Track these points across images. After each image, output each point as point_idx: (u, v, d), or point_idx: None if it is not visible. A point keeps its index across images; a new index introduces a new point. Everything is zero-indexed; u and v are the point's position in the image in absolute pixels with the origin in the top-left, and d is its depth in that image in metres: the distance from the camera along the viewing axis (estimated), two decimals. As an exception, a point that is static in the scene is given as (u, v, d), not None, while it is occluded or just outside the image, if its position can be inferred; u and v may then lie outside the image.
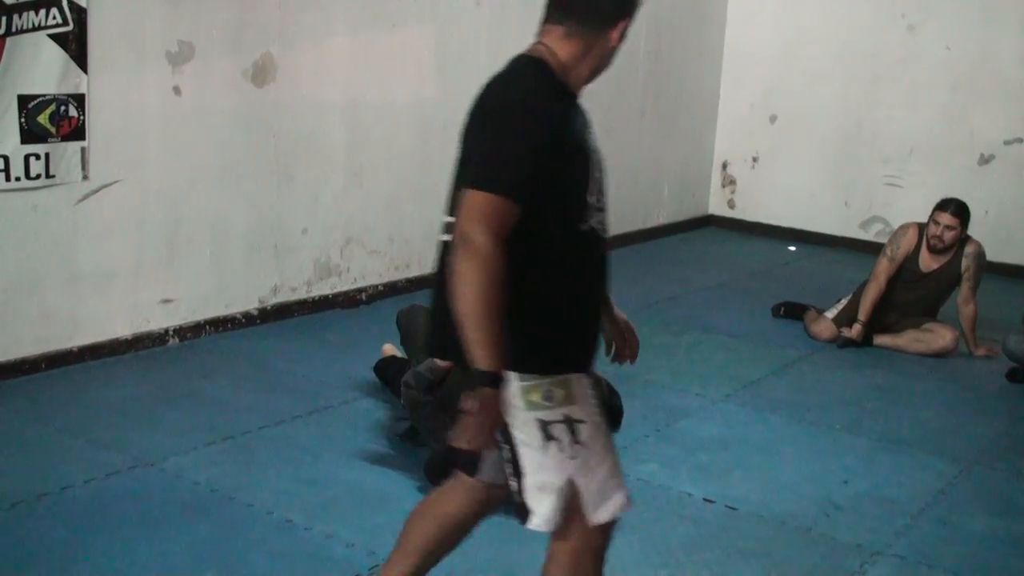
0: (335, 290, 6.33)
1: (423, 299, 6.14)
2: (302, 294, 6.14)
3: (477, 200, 2.40)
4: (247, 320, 5.85)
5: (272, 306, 5.98)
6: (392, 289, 6.64)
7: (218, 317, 5.72)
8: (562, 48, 2.61)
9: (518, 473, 2.51)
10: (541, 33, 2.64)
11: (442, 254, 2.63)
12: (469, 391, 2.39)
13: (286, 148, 5.89)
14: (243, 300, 5.84)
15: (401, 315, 5.02)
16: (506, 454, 2.52)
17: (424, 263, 6.88)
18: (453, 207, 2.56)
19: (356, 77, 6.20)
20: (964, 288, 6.23)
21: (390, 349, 5.09)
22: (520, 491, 2.52)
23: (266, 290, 5.95)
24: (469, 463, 2.69)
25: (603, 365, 2.79)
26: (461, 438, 2.49)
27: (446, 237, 2.58)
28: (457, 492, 2.80)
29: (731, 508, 4.12)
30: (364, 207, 6.41)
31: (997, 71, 8.21)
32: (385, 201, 6.54)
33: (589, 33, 2.61)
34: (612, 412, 3.94)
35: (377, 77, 6.32)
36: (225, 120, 5.56)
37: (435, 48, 6.67)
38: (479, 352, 2.33)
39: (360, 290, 6.47)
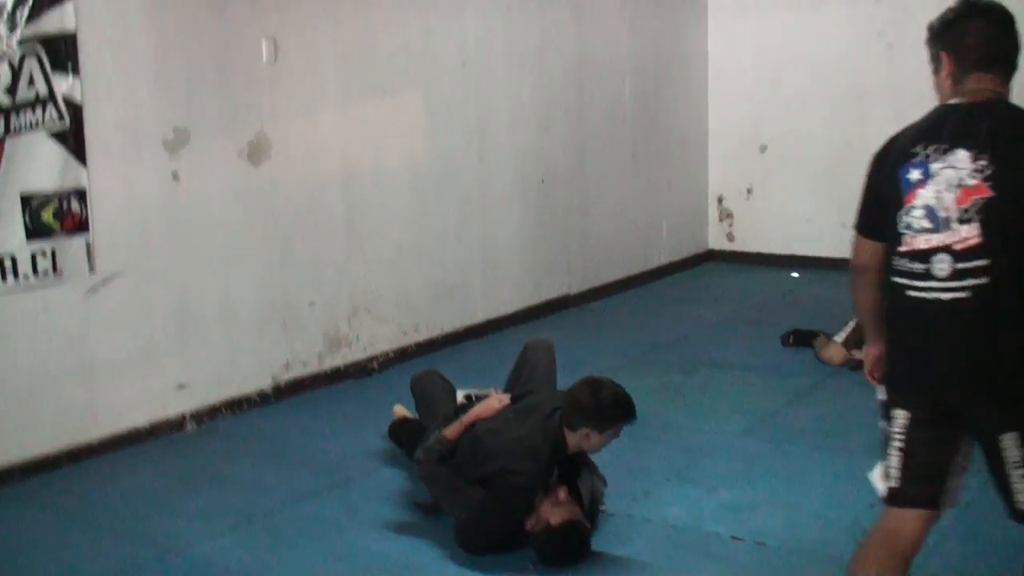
0: (346, 360, 6.36)
1: (433, 362, 6.20)
2: (314, 367, 6.17)
3: None
4: (262, 399, 5.88)
5: (285, 382, 6.01)
6: (402, 354, 6.67)
7: (233, 398, 5.74)
8: (1005, 92, 2.87)
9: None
10: (977, 80, 2.83)
11: (983, 295, 2.68)
12: None
13: (286, 223, 5.95)
14: (256, 379, 5.87)
15: (415, 381, 5.05)
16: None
17: (431, 326, 6.92)
18: (982, 245, 2.67)
19: (349, 147, 6.27)
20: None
21: (401, 410, 5.11)
22: None
23: (278, 366, 5.98)
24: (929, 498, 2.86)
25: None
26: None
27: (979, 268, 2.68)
28: (912, 524, 2.89)
29: (760, 544, 4.11)
30: (368, 275, 6.46)
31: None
32: (388, 267, 6.59)
33: (1009, 78, 2.90)
34: None
35: (370, 145, 6.40)
36: (225, 201, 5.63)
37: (424, 112, 6.75)
38: None
39: (371, 358, 6.50)
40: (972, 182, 2.66)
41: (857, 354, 6.37)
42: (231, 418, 5.70)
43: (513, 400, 4.48)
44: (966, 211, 2.67)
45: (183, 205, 5.43)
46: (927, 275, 2.72)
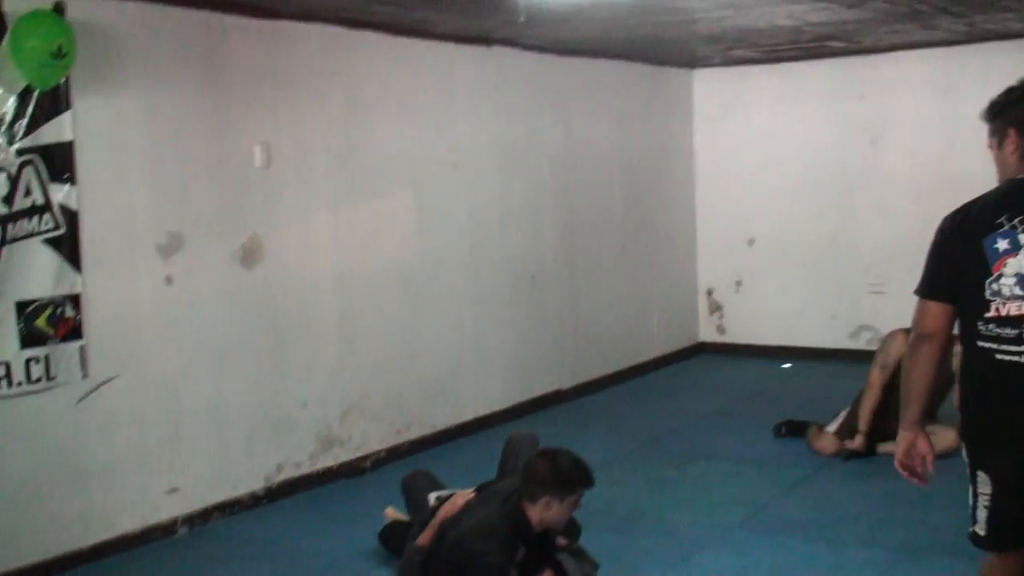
0: (338, 460, 6.35)
1: (426, 460, 6.20)
2: (306, 468, 6.16)
3: None
4: (254, 501, 5.86)
5: (278, 484, 5.99)
6: (395, 453, 6.67)
7: (225, 501, 5.72)
8: None
9: None
10: None
11: None
12: None
13: (279, 325, 5.99)
14: (248, 481, 5.86)
15: (405, 482, 5.05)
16: None
17: (423, 424, 6.93)
18: None
19: (341, 248, 6.35)
20: (958, 388, 6.27)
21: (392, 513, 5.10)
22: None
23: (271, 468, 5.97)
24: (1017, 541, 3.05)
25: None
26: None
27: None
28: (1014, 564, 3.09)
29: (758, 637, 4.09)
30: (360, 374, 6.49)
31: (962, 173, 8.42)
32: (379, 366, 6.62)
33: None
34: None
35: (362, 246, 6.48)
36: (217, 304, 5.68)
37: (416, 212, 6.86)
38: None
39: (364, 458, 6.50)
40: None
41: (849, 444, 6.40)
42: (223, 521, 5.67)
43: (479, 489, 4.51)
44: None
45: (176, 309, 5.48)
46: (1018, 340, 2.88)
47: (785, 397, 8.05)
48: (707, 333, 10.03)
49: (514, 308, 7.72)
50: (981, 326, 2.96)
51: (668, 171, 9.57)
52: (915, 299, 6.77)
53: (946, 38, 8.14)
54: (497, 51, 7.41)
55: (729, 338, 9.91)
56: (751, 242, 9.70)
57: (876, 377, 6.43)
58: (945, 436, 6.27)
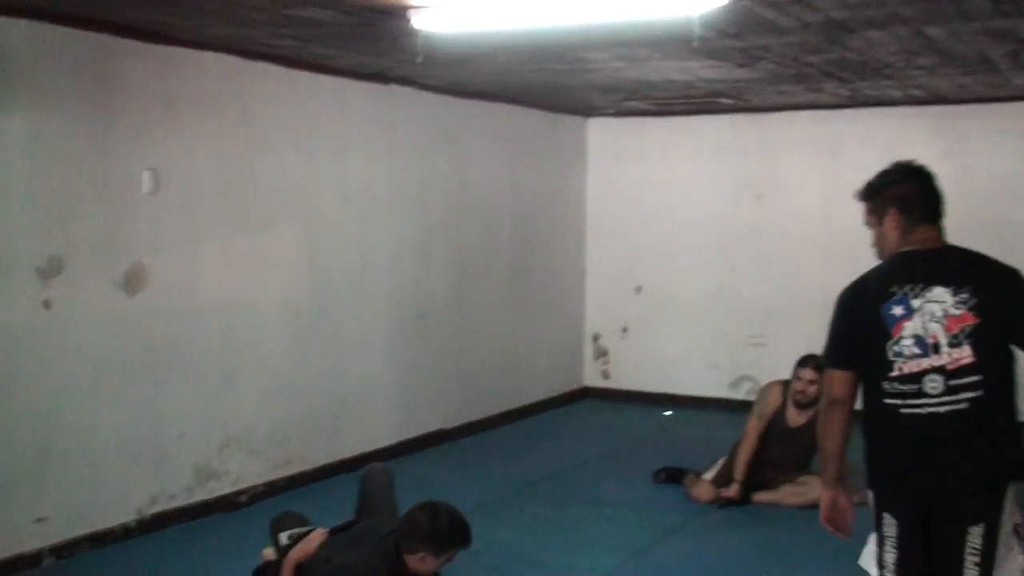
0: (215, 494, 6.23)
1: (304, 496, 6.12)
2: (181, 501, 6.03)
3: None
4: (125, 533, 5.71)
5: (151, 516, 5.85)
6: (273, 488, 6.57)
7: (95, 532, 5.56)
8: (945, 239, 3.41)
9: None
10: (925, 231, 3.36)
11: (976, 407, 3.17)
12: None
13: (160, 354, 5.88)
14: (120, 512, 5.70)
15: (273, 523, 4.95)
16: None
17: (303, 460, 6.85)
18: (975, 363, 3.16)
19: (228, 279, 6.27)
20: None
21: (270, 554, 5.00)
22: None
23: (144, 500, 5.83)
24: None
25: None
26: None
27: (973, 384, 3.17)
28: None
29: None
30: (241, 407, 6.40)
31: (840, 231, 8.71)
32: (262, 400, 6.54)
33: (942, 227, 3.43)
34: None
35: (249, 278, 6.41)
36: (97, 330, 5.55)
37: (305, 246, 6.81)
38: None
39: (241, 492, 6.39)
40: (958, 312, 3.17)
41: (726, 492, 6.52)
42: (92, 553, 5.50)
43: (336, 531, 4.49)
44: (955, 336, 3.17)
45: (53, 333, 5.33)
46: (919, 394, 3.18)
47: (665, 444, 8.17)
48: (592, 378, 10.13)
49: (401, 345, 7.71)
50: (886, 385, 3.23)
51: (560, 216, 9.69)
52: (793, 352, 6.98)
53: (830, 101, 8.44)
54: (394, 89, 7.44)
55: (613, 384, 10.03)
56: (638, 290, 9.86)
57: (753, 427, 6.57)
58: (817, 487, 6.40)
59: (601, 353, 10.09)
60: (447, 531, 4.16)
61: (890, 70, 6.68)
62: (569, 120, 9.69)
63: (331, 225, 7.02)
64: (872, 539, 3.41)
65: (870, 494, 3.37)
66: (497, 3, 4.64)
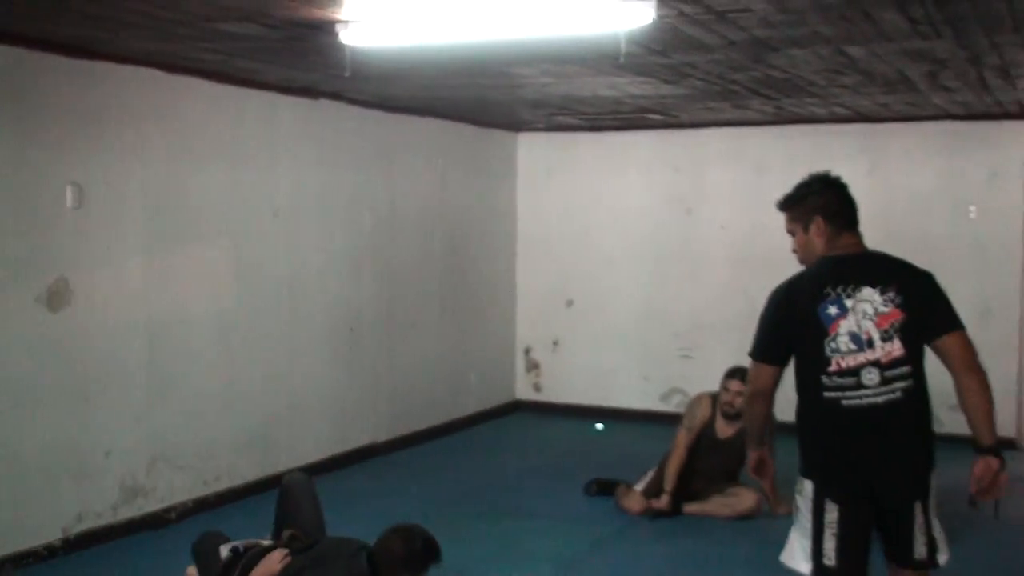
0: (142, 511, 6.15)
1: (234, 512, 6.07)
2: (108, 519, 5.94)
3: (968, 337, 3.52)
4: (49, 552, 5.61)
5: (76, 535, 5.75)
6: (202, 505, 6.50)
7: (18, 552, 5.46)
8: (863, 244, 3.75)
9: None
10: (848, 238, 3.69)
11: (906, 396, 3.53)
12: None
13: (84, 371, 5.80)
14: (45, 531, 5.61)
15: (196, 546, 4.88)
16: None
17: (233, 475, 6.79)
18: (904, 356, 3.51)
19: (154, 294, 6.20)
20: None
21: (193, 573, 4.95)
22: None
23: (69, 518, 5.73)
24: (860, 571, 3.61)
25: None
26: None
27: (901, 376, 3.52)
28: None
29: None
30: (169, 423, 6.32)
31: (767, 246, 8.84)
32: (190, 416, 6.47)
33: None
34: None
35: (176, 293, 6.35)
36: (18, 348, 5.46)
37: (234, 260, 6.76)
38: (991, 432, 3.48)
39: (169, 509, 6.31)
40: (887, 309, 3.51)
41: (656, 503, 6.58)
42: (18, 573, 5.40)
43: (297, 551, 4.45)
44: (886, 332, 3.49)
45: (-27, 350, 5.24)
46: (858, 386, 3.49)
47: (597, 456, 8.21)
48: (524, 391, 10.17)
49: (331, 360, 7.67)
50: (825, 379, 3.53)
51: (490, 230, 9.72)
52: (722, 364, 7.06)
53: (757, 118, 8.59)
54: (323, 104, 7.43)
55: (545, 397, 10.07)
56: (569, 303, 9.92)
57: (682, 438, 6.64)
58: (747, 498, 6.53)
59: (532, 366, 10.13)
60: (422, 553, 4.25)
61: (813, 88, 6.81)
62: (499, 135, 9.74)
63: (260, 240, 6.98)
64: (795, 536, 3.67)
65: (805, 486, 3.61)
66: (424, 18, 4.67)
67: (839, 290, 3.54)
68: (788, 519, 3.63)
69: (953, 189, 8.54)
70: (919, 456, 3.56)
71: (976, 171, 8.49)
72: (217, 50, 5.65)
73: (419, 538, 4.27)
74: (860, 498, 3.53)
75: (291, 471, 5.37)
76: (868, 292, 3.53)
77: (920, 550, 3.55)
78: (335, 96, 7.45)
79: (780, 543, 6.16)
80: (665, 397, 9.50)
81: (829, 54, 5.57)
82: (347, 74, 5.69)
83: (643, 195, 9.60)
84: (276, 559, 4.36)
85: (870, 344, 3.50)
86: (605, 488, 6.97)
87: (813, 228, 3.69)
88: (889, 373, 3.49)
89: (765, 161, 8.96)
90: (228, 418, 6.74)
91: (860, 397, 3.49)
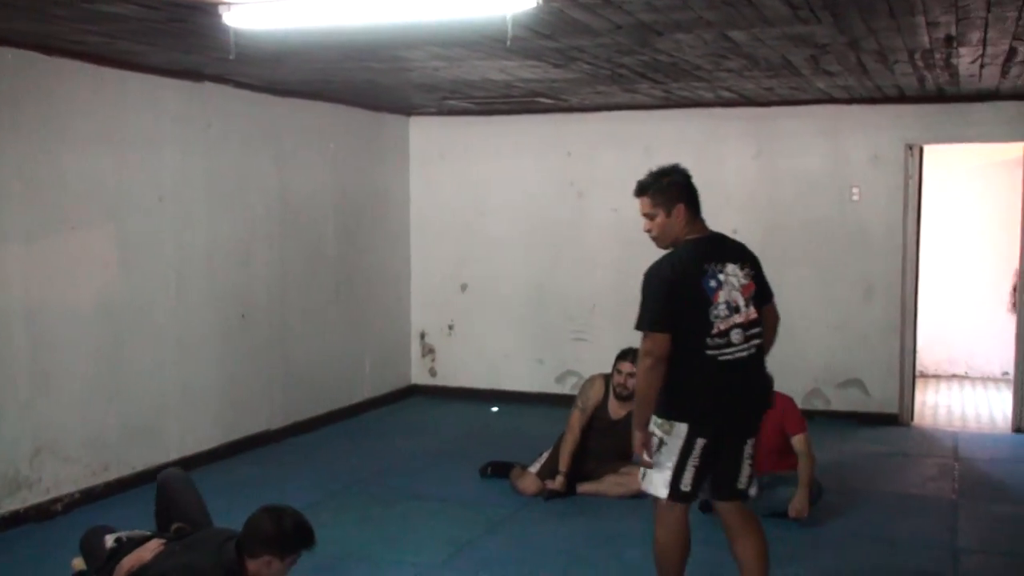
0: (26, 504, 6.01)
1: (125, 502, 5.96)
2: (-10, 512, 5.80)
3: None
4: (-72, 548, 5.46)
5: (-44, 530, 5.61)
6: (89, 496, 6.38)
7: None
8: None
9: None
10: (700, 222, 4.37)
11: (758, 351, 4.35)
12: None
13: (-37, 361, 5.63)
14: (-77, 527, 5.45)
15: (83, 540, 4.80)
16: None
17: (122, 465, 6.67)
18: (757, 318, 4.33)
19: (35, 281, 6.04)
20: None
21: (79, 564, 4.86)
22: None
23: (-51, 513, 5.58)
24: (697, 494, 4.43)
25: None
26: None
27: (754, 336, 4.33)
28: (686, 513, 4.43)
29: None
30: (54, 413, 6.18)
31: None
32: (76, 405, 6.33)
33: None
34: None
35: (57, 279, 6.19)
36: None
37: (117, 246, 6.62)
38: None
39: (55, 500, 6.17)
40: (746, 281, 4.28)
41: (550, 484, 6.64)
42: None
43: (172, 539, 4.41)
44: (747, 300, 4.26)
45: None
46: (728, 344, 4.19)
47: (492, 439, 8.26)
48: (419, 375, 10.16)
49: (223, 346, 7.57)
50: (708, 340, 4.17)
51: (383, 215, 9.68)
52: (615, 346, 7.14)
53: (646, 102, 8.69)
54: (209, 87, 7.30)
55: (440, 381, 10.08)
56: (464, 287, 9.93)
57: (576, 419, 6.71)
58: (639, 477, 6.61)
59: (428, 351, 10.13)
60: (292, 533, 4.12)
61: (700, 72, 6.92)
62: (391, 119, 9.70)
63: (145, 225, 6.84)
64: (655, 468, 4.29)
65: (677, 427, 4.20)
66: (310, 1, 4.61)
67: (714, 267, 4.22)
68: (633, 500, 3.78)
69: (837, 172, 8.76)
70: (764, 397, 4.41)
71: (859, 154, 8.72)
72: (98, 32, 5.51)
73: (290, 519, 4.15)
74: (722, 434, 4.25)
75: (166, 468, 5.27)
76: (732, 268, 4.26)
77: (743, 480, 4.37)
78: (221, 79, 7.33)
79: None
80: (559, 380, 9.59)
81: (713, 38, 5.67)
82: (232, 57, 5.60)
83: (535, 179, 9.66)
84: (151, 548, 4.34)
85: (737, 310, 4.23)
86: (500, 470, 7.02)
87: (675, 213, 4.28)
88: (748, 332, 4.25)
89: (655, 144, 9.05)
90: (116, 407, 6.61)
91: (732, 353, 4.20)
